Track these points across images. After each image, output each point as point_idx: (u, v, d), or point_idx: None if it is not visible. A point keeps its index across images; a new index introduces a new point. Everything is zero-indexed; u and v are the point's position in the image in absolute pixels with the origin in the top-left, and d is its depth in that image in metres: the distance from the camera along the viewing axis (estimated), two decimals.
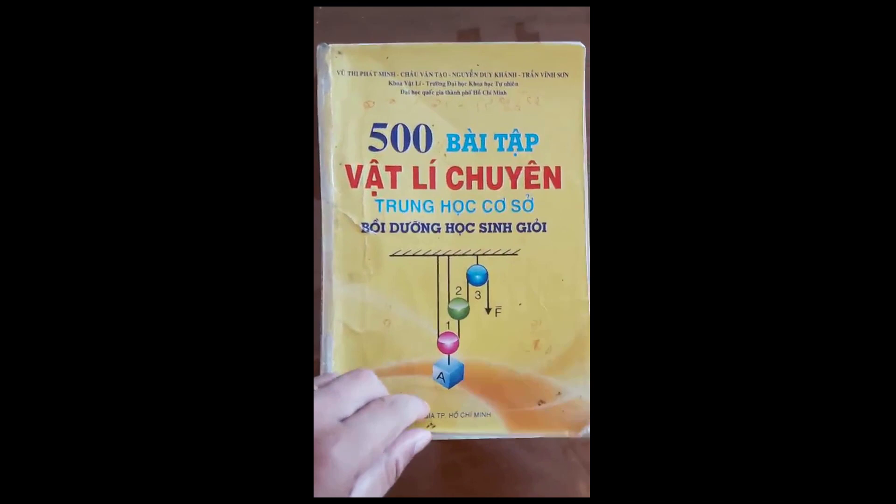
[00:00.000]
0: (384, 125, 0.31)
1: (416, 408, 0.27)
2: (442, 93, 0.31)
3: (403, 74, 0.31)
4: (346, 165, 0.31)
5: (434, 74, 0.31)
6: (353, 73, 0.31)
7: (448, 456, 0.33)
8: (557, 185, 0.31)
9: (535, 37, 0.34)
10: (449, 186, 0.31)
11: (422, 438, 0.27)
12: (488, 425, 0.30)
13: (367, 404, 0.25)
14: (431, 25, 0.35)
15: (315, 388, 0.25)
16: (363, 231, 0.31)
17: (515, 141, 0.31)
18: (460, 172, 0.31)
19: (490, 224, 0.31)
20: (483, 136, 0.31)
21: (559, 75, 0.31)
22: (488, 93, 0.31)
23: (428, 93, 0.31)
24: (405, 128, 0.31)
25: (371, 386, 0.26)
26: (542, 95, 0.31)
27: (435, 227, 0.31)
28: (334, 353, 0.30)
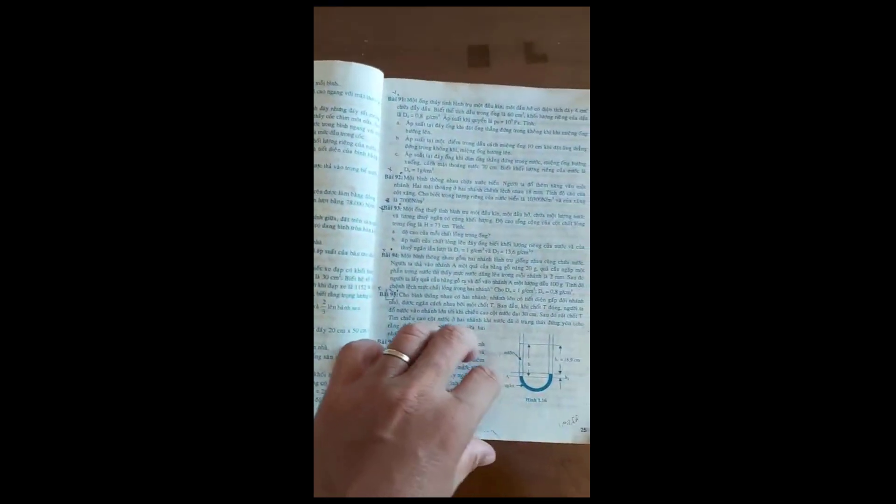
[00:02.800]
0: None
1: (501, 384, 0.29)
2: None
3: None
4: None
5: None
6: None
7: None
8: None
9: (543, 58, 0.36)
10: None
11: (491, 453, 0.30)
12: None
13: (470, 373, 0.27)
14: (442, 39, 0.37)
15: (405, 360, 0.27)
16: None
17: None
18: None
19: None
20: None
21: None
22: None
23: None
24: None
25: (462, 345, 0.28)
26: None
27: None
28: None
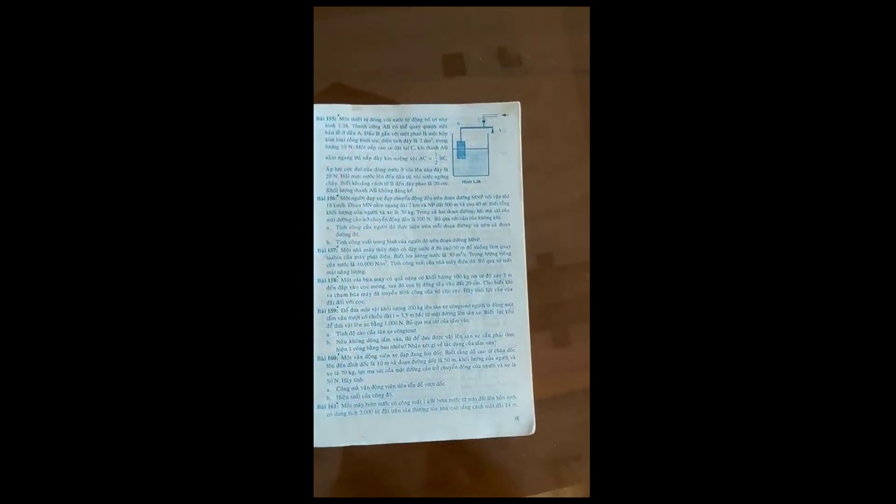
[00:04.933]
0: None
1: None
2: None
3: None
4: None
5: None
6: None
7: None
8: None
9: (517, 62, 0.38)
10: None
11: None
12: None
13: None
14: (416, 49, 0.38)
15: None
16: None
17: None
18: None
19: None
20: None
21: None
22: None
23: None
24: None
25: None
26: None
27: None
28: None
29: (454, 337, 0.36)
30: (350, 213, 0.36)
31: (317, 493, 0.33)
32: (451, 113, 0.37)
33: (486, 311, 0.36)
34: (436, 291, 0.36)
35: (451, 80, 0.38)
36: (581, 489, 0.36)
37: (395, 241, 0.36)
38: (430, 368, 0.35)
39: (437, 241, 0.36)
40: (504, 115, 0.37)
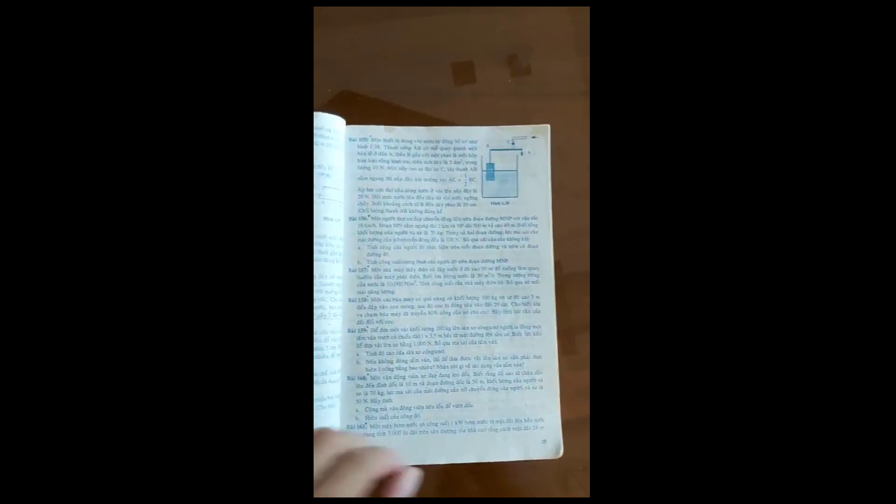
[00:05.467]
0: None
1: (383, 459, 0.26)
2: None
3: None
4: None
5: None
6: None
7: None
8: None
9: (527, 70, 0.39)
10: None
11: (409, 480, 0.26)
12: None
13: (337, 464, 0.25)
14: (427, 57, 0.39)
15: None
16: None
17: None
18: None
19: None
20: None
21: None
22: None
23: None
24: None
25: (332, 446, 0.26)
26: None
27: None
28: None
29: (482, 358, 0.36)
30: (381, 233, 0.36)
31: None
32: (480, 135, 0.38)
33: (513, 333, 0.36)
34: (464, 312, 0.36)
35: (461, 88, 0.38)
36: None
37: (425, 262, 0.36)
38: (458, 390, 0.35)
39: (465, 261, 0.37)
40: (533, 137, 0.38)
